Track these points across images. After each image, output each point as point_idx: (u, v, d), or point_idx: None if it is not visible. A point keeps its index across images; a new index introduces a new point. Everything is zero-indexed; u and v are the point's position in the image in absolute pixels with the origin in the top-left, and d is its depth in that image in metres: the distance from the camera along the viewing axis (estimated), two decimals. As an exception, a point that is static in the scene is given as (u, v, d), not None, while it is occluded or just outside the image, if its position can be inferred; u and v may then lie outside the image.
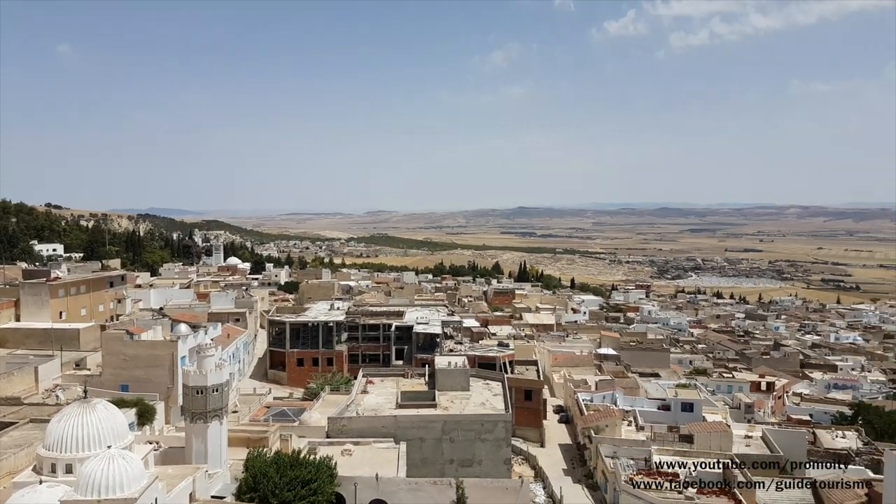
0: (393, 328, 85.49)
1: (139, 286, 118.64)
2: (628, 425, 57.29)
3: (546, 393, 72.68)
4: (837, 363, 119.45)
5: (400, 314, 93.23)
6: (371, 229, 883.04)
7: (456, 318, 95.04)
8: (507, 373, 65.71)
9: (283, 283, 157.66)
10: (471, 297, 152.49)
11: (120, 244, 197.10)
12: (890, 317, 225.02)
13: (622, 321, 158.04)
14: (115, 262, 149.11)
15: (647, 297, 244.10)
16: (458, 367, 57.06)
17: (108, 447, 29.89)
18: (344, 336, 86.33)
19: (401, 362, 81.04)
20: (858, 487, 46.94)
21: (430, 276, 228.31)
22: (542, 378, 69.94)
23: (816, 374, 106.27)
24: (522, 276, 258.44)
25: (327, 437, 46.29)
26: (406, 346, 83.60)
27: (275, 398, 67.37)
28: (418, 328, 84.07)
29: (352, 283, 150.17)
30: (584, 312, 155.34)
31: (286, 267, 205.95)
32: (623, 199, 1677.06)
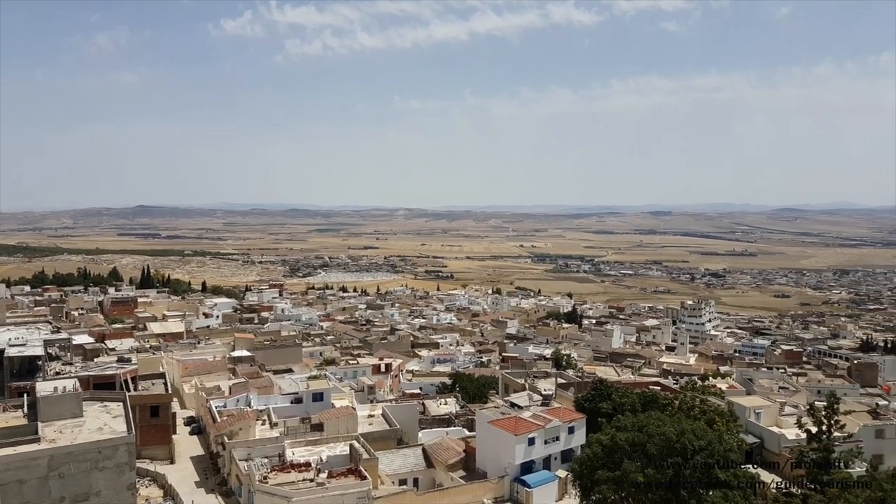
0: (-26, 355, 70.15)
1: None
2: (262, 424, 58.25)
3: (176, 406, 68.93)
4: (439, 341, 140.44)
5: (-17, 337, 76.89)
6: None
7: (63, 335, 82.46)
8: (129, 390, 60.23)
9: None
10: (83, 309, 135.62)
11: None
12: (476, 299, 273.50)
13: (257, 321, 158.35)
14: None
15: (280, 295, 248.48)
16: (68, 391, 50.16)
17: None
18: None
19: (-13, 395, 67.10)
20: (458, 445, 56.81)
21: (27, 288, 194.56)
22: (170, 391, 66.02)
23: (424, 352, 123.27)
24: (146, 282, 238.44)
25: None
26: (-6, 376, 69.51)
27: None
28: (12, 351, 70.56)
29: None
30: (217, 316, 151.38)
31: None
32: (254, 200, 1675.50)
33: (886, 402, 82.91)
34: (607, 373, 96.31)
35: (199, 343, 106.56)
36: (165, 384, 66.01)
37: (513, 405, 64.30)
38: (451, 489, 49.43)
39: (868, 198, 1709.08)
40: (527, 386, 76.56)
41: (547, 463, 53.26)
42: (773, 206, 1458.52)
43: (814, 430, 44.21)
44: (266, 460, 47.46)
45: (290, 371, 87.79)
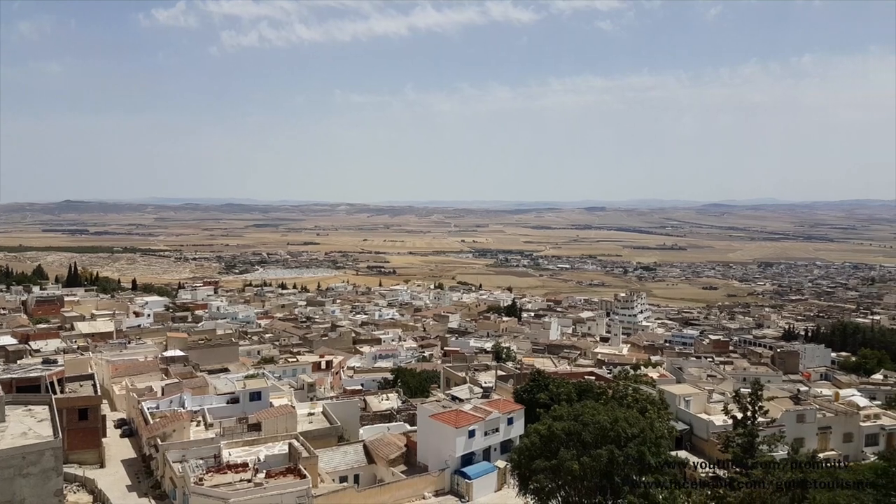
0: None
1: None
2: (197, 426, 56.73)
3: (106, 408, 66.48)
4: (381, 337, 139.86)
5: None
6: None
7: (-20, 337, 78.52)
8: (55, 393, 57.65)
9: None
10: (5, 309, 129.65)
11: None
12: (418, 294, 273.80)
13: (190, 320, 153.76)
14: None
15: (215, 293, 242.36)
16: (-13, 396, 47.65)
17: None
18: None
19: None
20: (399, 440, 56.91)
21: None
22: (99, 392, 63.53)
23: (366, 348, 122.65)
24: (73, 280, 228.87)
25: None
26: None
27: None
28: (-78, 356, 66.60)
29: None
30: (149, 315, 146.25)
31: None
32: (186, 195, 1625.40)
33: (807, 388, 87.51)
34: (545, 364, 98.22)
35: (129, 343, 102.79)
36: (94, 386, 63.54)
37: (454, 398, 64.99)
38: (391, 484, 49.54)
39: (790, 194, 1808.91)
40: (468, 379, 77.46)
41: (487, 454, 53.98)
42: (702, 201, 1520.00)
43: (739, 415, 46.26)
44: (202, 461, 46.34)
45: (225, 370, 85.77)
